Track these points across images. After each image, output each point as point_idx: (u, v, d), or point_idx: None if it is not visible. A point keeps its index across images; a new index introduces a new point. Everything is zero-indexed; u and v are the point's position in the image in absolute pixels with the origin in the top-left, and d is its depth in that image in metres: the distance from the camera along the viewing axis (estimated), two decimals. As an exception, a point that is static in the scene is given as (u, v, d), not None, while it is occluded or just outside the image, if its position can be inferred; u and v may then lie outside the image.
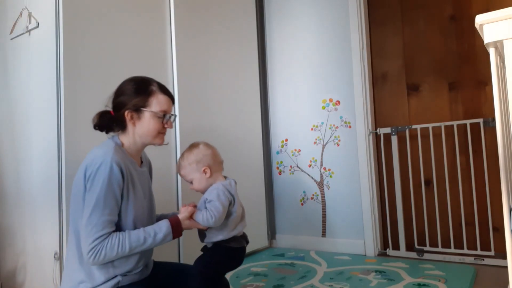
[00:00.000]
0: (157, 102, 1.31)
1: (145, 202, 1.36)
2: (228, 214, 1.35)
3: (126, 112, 1.29)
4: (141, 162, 1.42)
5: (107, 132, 1.34)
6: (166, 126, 1.35)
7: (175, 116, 1.37)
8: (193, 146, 1.43)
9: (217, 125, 2.51)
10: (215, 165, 1.40)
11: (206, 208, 1.33)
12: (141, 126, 1.31)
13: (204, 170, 1.37)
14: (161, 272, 1.46)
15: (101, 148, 1.26)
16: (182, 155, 1.42)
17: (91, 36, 1.82)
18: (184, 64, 2.29)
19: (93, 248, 1.17)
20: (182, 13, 2.32)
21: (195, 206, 1.37)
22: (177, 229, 1.29)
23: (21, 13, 1.88)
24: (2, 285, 1.93)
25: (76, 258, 1.25)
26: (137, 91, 1.30)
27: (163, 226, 1.27)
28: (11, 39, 1.94)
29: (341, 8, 2.75)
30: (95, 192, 1.19)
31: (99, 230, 1.18)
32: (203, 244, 1.44)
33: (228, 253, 1.38)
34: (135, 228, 1.27)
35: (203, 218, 1.30)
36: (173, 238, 1.29)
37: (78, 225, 1.25)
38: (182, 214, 1.32)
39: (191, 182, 1.41)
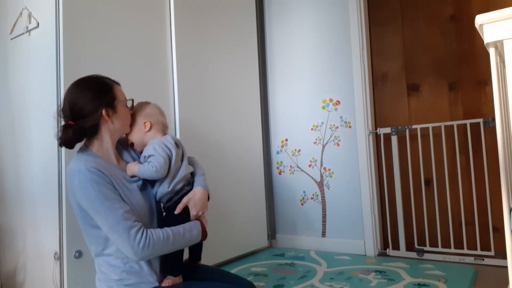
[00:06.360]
0: (120, 92, 1.35)
1: (145, 206, 1.30)
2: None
3: (103, 111, 1.27)
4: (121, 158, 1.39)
5: (71, 147, 1.28)
6: (131, 111, 1.39)
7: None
8: (144, 103, 1.45)
9: (217, 125, 2.51)
10: (157, 124, 1.41)
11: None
12: (117, 119, 1.31)
13: (144, 123, 1.38)
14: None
15: (71, 163, 1.24)
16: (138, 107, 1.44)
17: (91, 36, 1.82)
18: (184, 64, 2.29)
19: (137, 240, 1.14)
20: (182, 13, 2.32)
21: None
22: (203, 229, 1.35)
23: (21, 13, 1.88)
24: (2, 285, 1.93)
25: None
26: (102, 89, 1.30)
27: (195, 224, 1.32)
28: (11, 39, 1.94)
29: (341, 8, 2.75)
30: (91, 199, 1.16)
31: (126, 222, 1.15)
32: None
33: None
34: None
35: (144, 169, 1.29)
36: (201, 238, 1.34)
37: (94, 248, 1.26)
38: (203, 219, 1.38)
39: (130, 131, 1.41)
